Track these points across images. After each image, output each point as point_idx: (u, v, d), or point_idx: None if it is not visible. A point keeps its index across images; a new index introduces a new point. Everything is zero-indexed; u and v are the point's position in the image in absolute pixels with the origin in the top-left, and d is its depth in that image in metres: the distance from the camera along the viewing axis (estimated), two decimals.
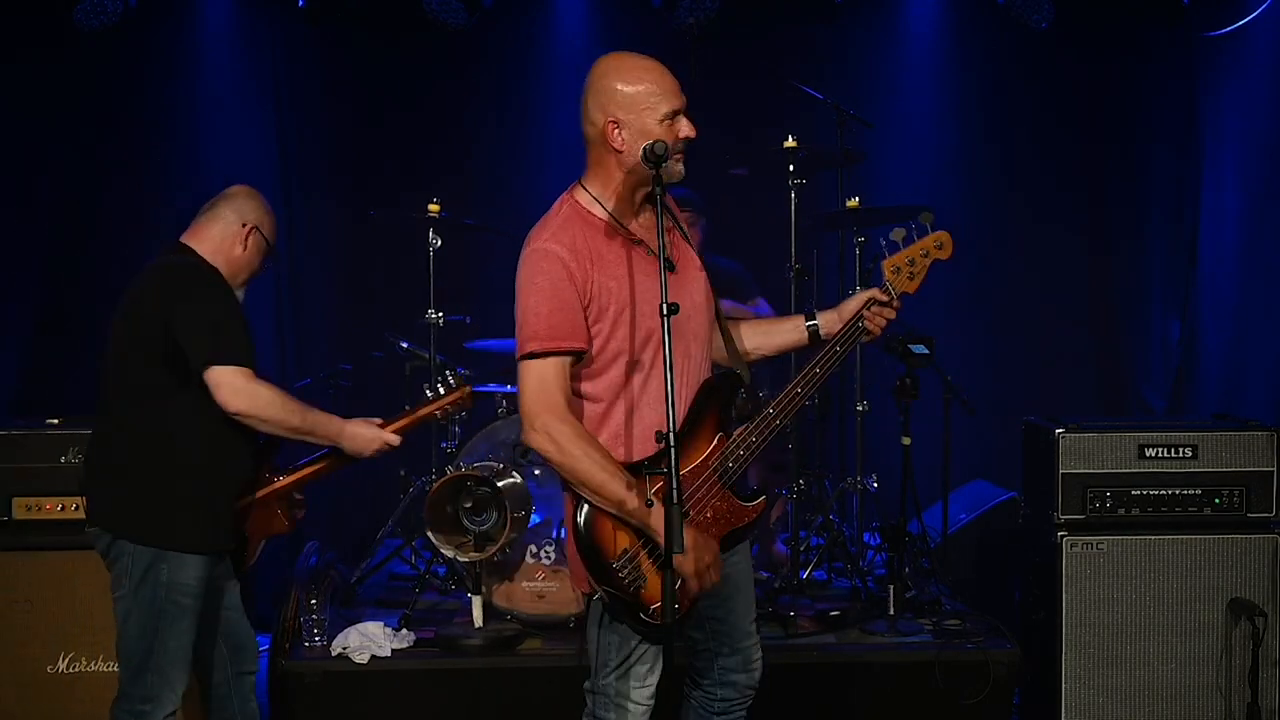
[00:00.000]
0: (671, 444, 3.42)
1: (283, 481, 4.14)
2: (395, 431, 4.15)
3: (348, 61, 7.07)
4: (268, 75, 7.10)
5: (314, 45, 7.06)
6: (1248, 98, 7.02)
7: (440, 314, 5.71)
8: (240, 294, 4.05)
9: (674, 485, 3.39)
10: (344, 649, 4.78)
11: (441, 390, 4.34)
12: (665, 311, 3.47)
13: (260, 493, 4.07)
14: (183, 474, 3.85)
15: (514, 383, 5.53)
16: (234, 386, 3.76)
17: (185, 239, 4.03)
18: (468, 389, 4.33)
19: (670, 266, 3.47)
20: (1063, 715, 4.80)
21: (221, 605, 4.06)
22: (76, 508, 4.72)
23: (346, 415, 6.49)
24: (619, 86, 3.39)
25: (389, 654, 4.76)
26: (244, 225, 4.03)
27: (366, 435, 4.09)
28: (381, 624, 4.89)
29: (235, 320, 3.89)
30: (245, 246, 4.03)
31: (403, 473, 5.95)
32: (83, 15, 6.63)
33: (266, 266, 4.15)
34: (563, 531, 5.10)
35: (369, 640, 4.80)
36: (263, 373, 3.89)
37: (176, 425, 3.84)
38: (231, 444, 3.89)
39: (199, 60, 7.04)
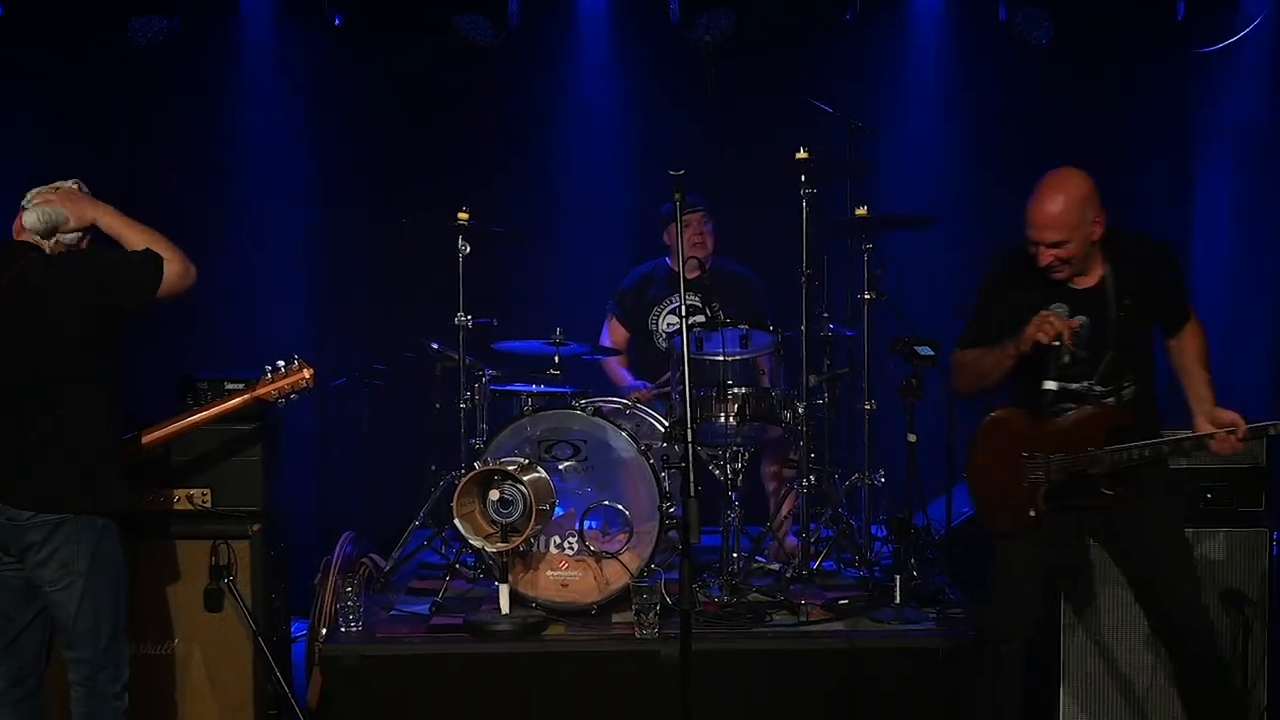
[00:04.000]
0: (688, 439, 3.45)
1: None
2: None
3: (382, 78, 7.10)
4: (305, 89, 7.13)
5: (349, 62, 7.09)
6: (1238, 112, 7.01)
7: (469, 317, 5.73)
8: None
9: (690, 478, 3.41)
10: None
11: (283, 369, 4.41)
12: (684, 314, 3.50)
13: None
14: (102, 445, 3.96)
15: (538, 382, 5.57)
16: (176, 275, 3.95)
17: (18, 237, 4.01)
18: (306, 371, 4.40)
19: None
20: (1061, 700, 4.80)
21: None
22: None
23: (379, 414, 6.60)
24: None
25: None
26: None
27: None
28: None
29: None
30: None
31: (433, 467, 5.98)
32: (134, 33, 6.70)
33: None
34: (586, 523, 5.12)
35: None
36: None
37: (88, 403, 3.92)
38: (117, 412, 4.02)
39: (241, 75, 7.09)
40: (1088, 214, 3.94)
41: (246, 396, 4.40)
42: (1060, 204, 3.93)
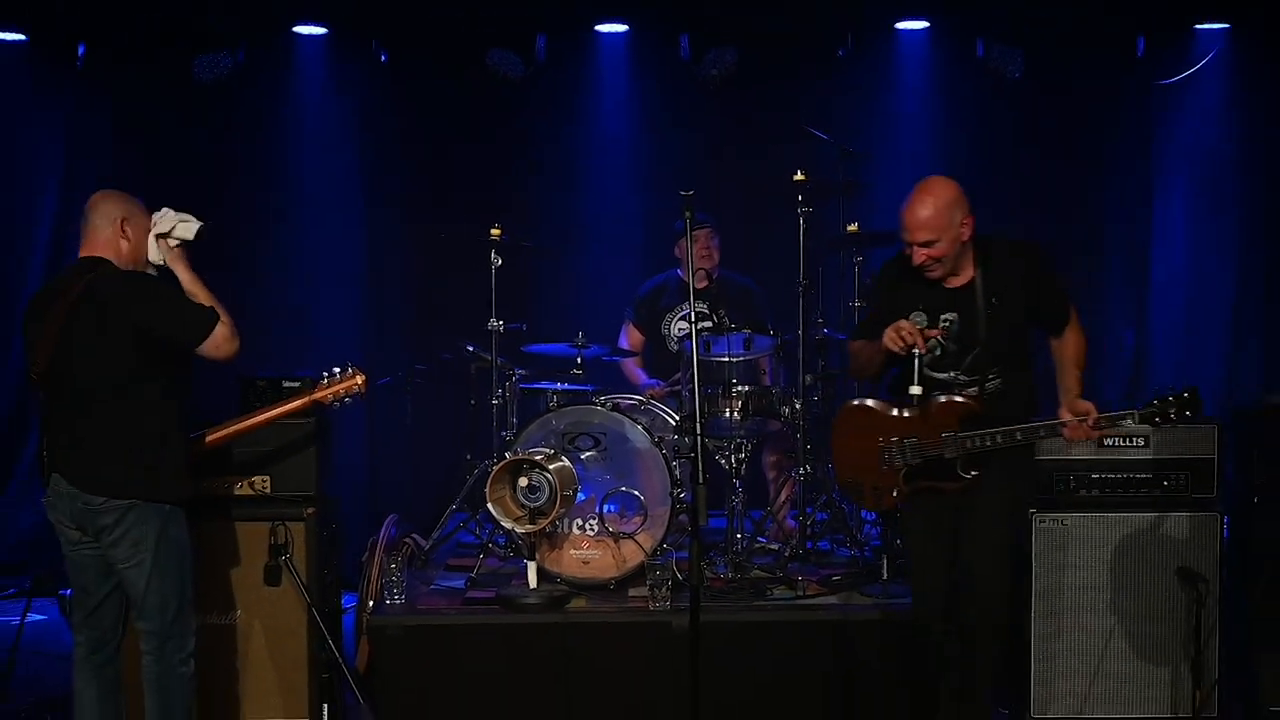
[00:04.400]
0: (697, 432, 3.46)
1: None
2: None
3: (423, 107, 7.12)
4: (355, 117, 7.17)
5: (393, 93, 7.12)
6: (1194, 138, 7.00)
7: (501, 322, 5.74)
8: (152, 266, 4.09)
9: (698, 467, 3.43)
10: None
11: (338, 375, 4.39)
12: (694, 319, 3.51)
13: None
14: (166, 440, 3.95)
15: (563, 381, 5.58)
16: (223, 337, 3.91)
17: (90, 253, 3.99)
18: (359, 378, 4.38)
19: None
20: (1031, 669, 4.79)
21: None
22: None
23: (420, 409, 6.62)
24: None
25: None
26: (116, 221, 4.00)
27: None
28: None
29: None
30: (128, 238, 4.02)
31: (469, 457, 5.99)
32: (200, 69, 6.73)
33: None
34: (605, 507, 5.13)
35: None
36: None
37: (153, 403, 3.92)
38: (181, 410, 4.01)
39: (297, 105, 7.14)
40: (955, 216, 3.94)
41: (304, 400, 4.40)
42: (929, 207, 3.93)
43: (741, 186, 6.69)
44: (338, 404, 4.42)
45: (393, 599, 4.92)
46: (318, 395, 4.38)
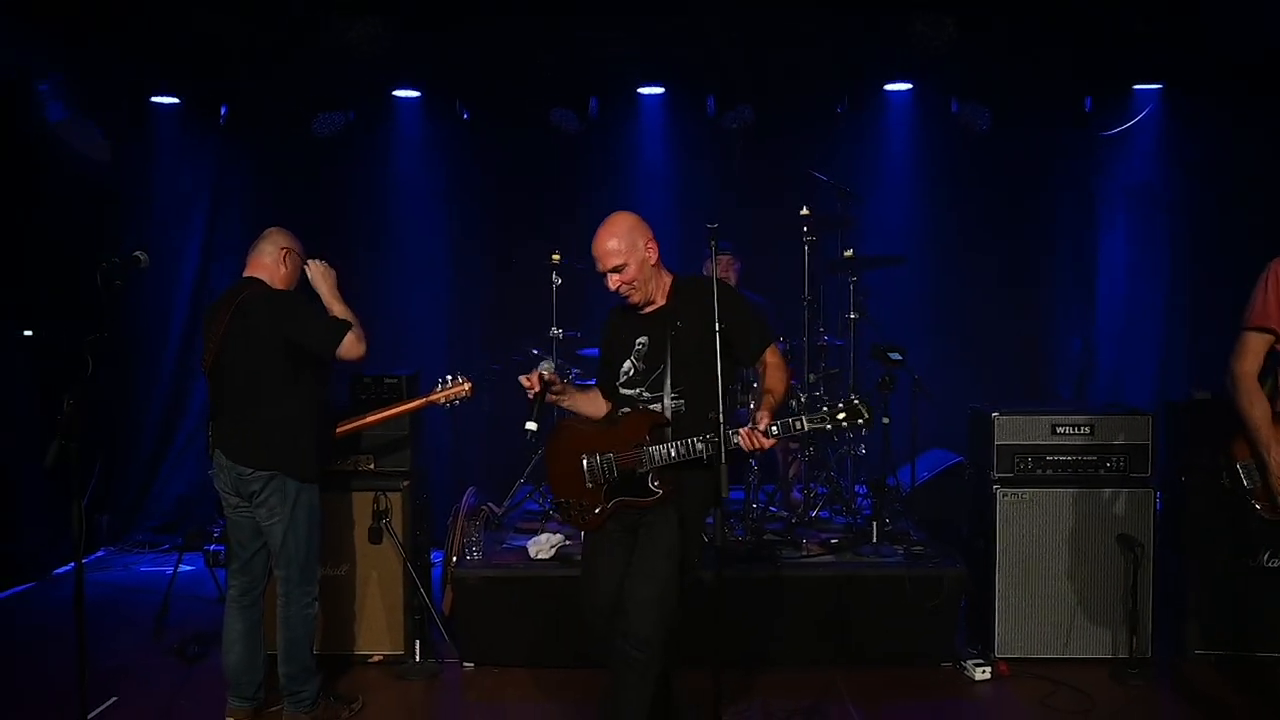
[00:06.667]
0: (720, 421, 3.43)
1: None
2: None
3: (497, 155, 7.13)
4: (442, 163, 7.19)
5: (474, 144, 7.13)
6: (1132, 179, 6.93)
7: (560, 330, 5.76)
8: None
9: (721, 449, 3.39)
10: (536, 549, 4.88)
11: (450, 382, 4.34)
12: (717, 329, 3.47)
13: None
14: (304, 426, 4.00)
15: None
16: (353, 342, 3.95)
17: (252, 273, 4.06)
18: (466, 385, 4.33)
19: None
20: (996, 617, 4.76)
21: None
22: None
23: (495, 400, 6.63)
24: None
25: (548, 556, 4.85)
26: (281, 251, 4.09)
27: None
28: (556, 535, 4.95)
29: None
30: (285, 266, 4.09)
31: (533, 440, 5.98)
32: (318, 126, 6.79)
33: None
34: None
35: (541, 544, 4.90)
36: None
37: (295, 396, 3.96)
38: (319, 402, 4.06)
39: (396, 154, 7.17)
40: (637, 241, 3.62)
41: (422, 401, 4.37)
42: (612, 237, 3.64)
43: (757, 220, 6.65)
44: (449, 406, 4.36)
45: (472, 555, 4.94)
46: (434, 398, 4.37)
